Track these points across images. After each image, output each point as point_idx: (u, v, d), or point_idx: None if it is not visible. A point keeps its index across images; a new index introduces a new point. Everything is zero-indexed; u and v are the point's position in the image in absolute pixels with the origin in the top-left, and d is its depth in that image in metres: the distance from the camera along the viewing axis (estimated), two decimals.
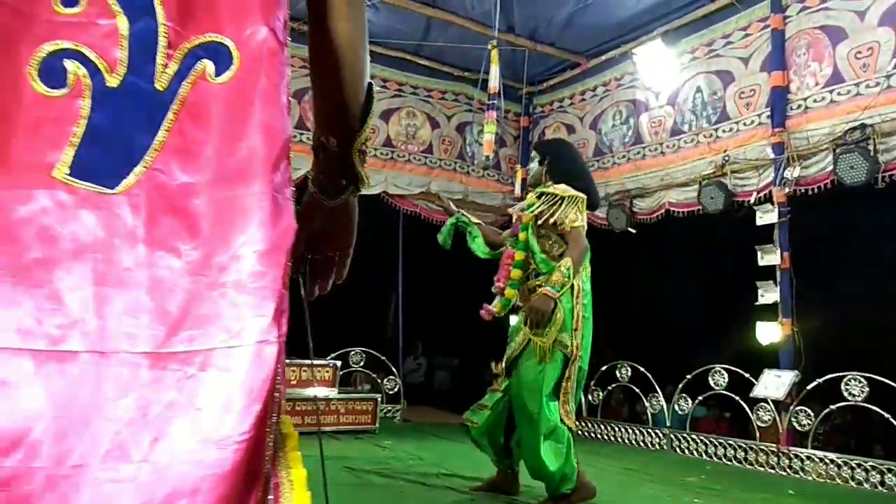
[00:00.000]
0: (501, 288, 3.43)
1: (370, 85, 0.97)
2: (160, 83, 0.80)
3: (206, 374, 0.74)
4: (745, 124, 5.59)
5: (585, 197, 3.39)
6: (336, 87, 0.94)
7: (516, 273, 3.39)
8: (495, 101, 3.75)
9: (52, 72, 0.77)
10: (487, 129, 3.74)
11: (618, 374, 6.18)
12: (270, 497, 0.80)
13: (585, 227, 3.41)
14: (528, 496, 3.40)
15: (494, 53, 4.59)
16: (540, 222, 3.33)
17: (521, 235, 3.39)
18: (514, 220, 3.65)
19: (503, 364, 3.42)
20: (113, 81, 0.79)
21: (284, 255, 0.81)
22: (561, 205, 3.29)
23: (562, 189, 3.35)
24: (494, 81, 4.42)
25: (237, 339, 0.76)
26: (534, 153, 3.65)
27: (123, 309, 0.75)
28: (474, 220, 3.93)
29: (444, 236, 3.84)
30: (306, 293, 1.07)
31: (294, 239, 0.84)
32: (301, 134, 6.34)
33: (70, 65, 0.78)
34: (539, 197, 3.38)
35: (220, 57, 0.83)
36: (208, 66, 0.82)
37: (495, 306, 3.43)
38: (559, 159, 3.58)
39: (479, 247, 3.79)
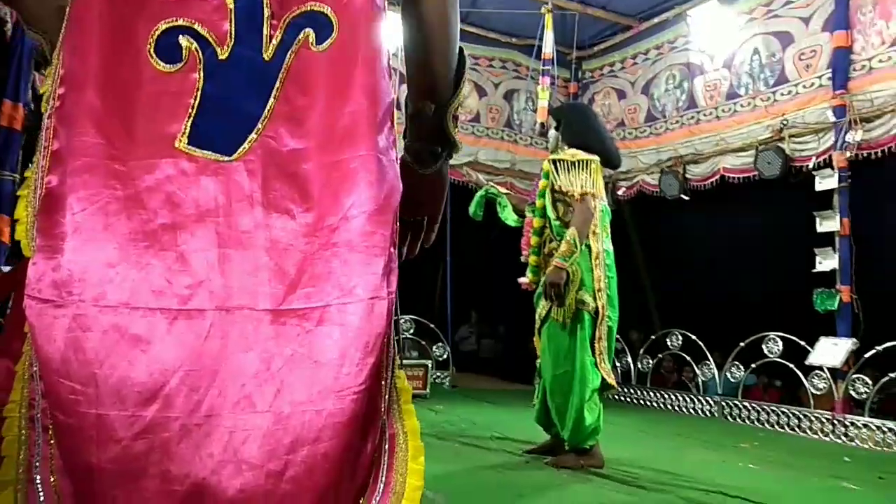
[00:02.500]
0: (527, 256, 3.52)
1: (461, 49, 0.98)
2: (267, 53, 0.84)
3: (323, 328, 0.79)
4: (804, 87, 5.42)
5: (598, 158, 3.39)
6: (431, 55, 0.95)
7: (535, 240, 3.47)
8: (549, 67, 3.70)
9: (168, 48, 0.82)
10: (542, 96, 3.72)
11: (668, 343, 6.16)
12: (387, 445, 0.85)
13: (601, 188, 3.42)
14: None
15: (549, 18, 4.51)
16: (554, 189, 3.37)
17: (538, 202, 3.45)
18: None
19: (536, 337, 3.50)
20: (223, 54, 0.83)
21: (392, 215, 0.85)
22: (571, 171, 3.31)
23: (571, 154, 3.38)
24: (548, 47, 4.36)
25: (350, 295, 0.80)
26: (550, 118, 3.64)
27: (245, 269, 0.80)
28: (503, 190, 3.99)
29: (474, 208, 3.89)
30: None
31: (397, 198, 0.87)
32: None
33: (184, 40, 0.82)
34: (553, 164, 3.41)
35: (321, 25, 0.85)
36: (310, 34, 0.85)
37: (528, 276, 3.52)
38: (571, 122, 3.57)
39: (508, 216, 3.86)
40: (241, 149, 0.82)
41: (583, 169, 3.31)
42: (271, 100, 0.83)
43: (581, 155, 3.36)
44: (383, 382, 0.84)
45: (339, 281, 0.80)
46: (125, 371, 0.74)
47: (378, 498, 0.83)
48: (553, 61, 3.81)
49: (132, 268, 0.77)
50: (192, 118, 0.81)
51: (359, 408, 0.78)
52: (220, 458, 0.73)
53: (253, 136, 0.82)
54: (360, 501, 0.82)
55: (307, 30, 0.84)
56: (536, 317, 3.49)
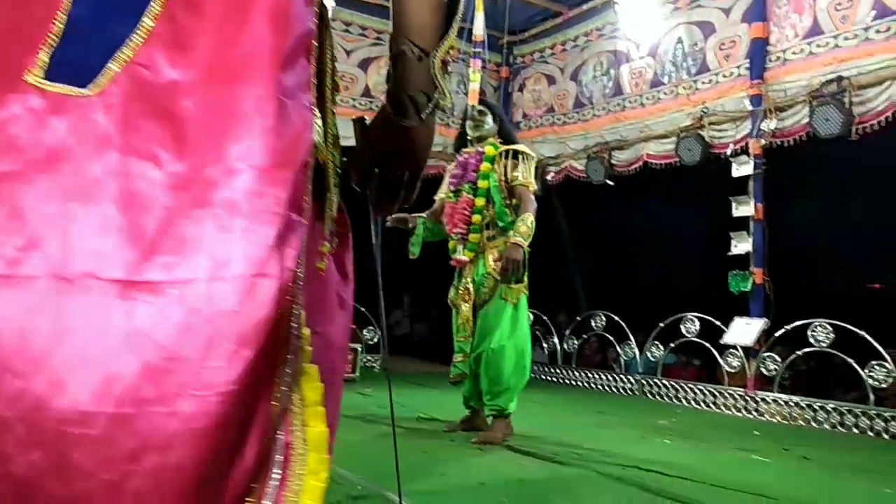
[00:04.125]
0: (463, 233, 3.54)
1: None
2: None
3: (186, 309, 0.62)
4: (724, 76, 5.61)
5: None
6: None
7: (477, 218, 3.53)
8: (480, 50, 3.70)
9: None
10: (473, 78, 3.70)
11: (593, 323, 6.31)
12: (279, 457, 0.70)
13: None
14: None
15: (479, 0, 4.51)
16: (509, 177, 3.49)
17: (483, 183, 3.52)
18: (453, 168, 3.74)
19: (466, 308, 3.54)
20: None
21: (294, 174, 0.69)
22: (526, 162, 3.54)
23: (525, 148, 3.63)
24: (479, 29, 4.35)
25: (225, 269, 0.64)
26: (484, 108, 3.71)
27: (90, 228, 0.64)
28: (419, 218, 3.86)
29: (416, 247, 3.81)
30: (374, 209, 0.98)
31: (304, 153, 0.71)
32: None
33: None
34: (512, 154, 3.55)
35: None
36: None
37: (464, 253, 3.55)
38: (503, 118, 3.80)
39: (416, 245, 3.82)
40: (99, 79, 0.66)
41: (533, 166, 3.58)
42: (146, 18, 0.67)
43: (531, 153, 3.63)
44: (275, 380, 0.68)
45: (214, 250, 0.64)
46: None
47: None
48: (484, 44, 3.81)
49: None
50: (52, 47, 0.67)
51: (228, 411, 0.63)
52: (46, 461, 0.59)
53: (117, 63, 0.67)
54: None
55: None
56: (473, 297, 3.54)
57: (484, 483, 2.59)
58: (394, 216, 3.74)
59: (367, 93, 6.93)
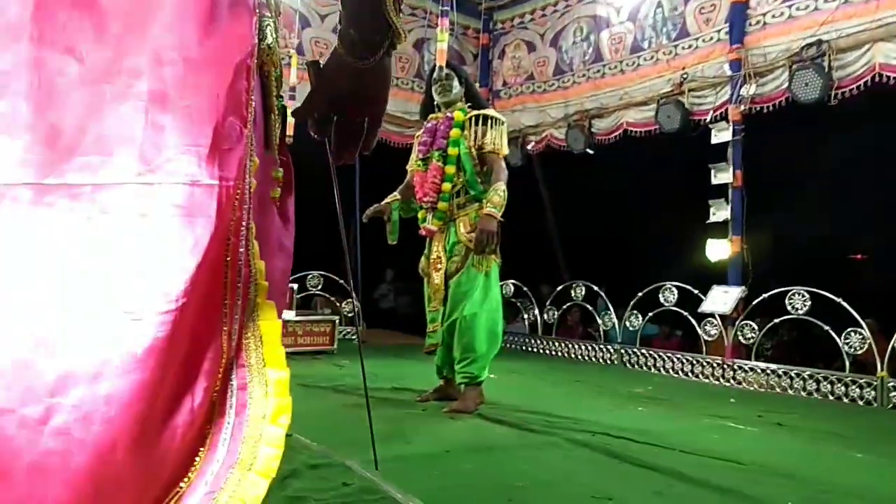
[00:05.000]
0: (433, 202, 3.46)
1: None
2: None
3: (113, 216, 0.56)
4: (704, 41, 5.51)
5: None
6: None
7: (447, 187, 3.45)
8: (447, 9, 3.57)
9: None
10: (441, 38, 3.58)
11: (573, 294, 6.28)
12: (234, 400, 0.64)
13: None
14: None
15: None
16: (479, 144, 3.41)
17: (452, 150, 3.44)
18: (422, 135, 3.63)
19: (438, 277, 3.47)
20: None
21: (234, 71, 0.63)
22: (495, 127, 3.44)
23: (495, 113, 3.54)
24: None
25: (157, 173, 0.57)
26: (450, 72, 3.59)
27: None
28: (392, 199, 3.73)
29: (394, 235, 3.67)
30: (333, 156, 0.96)
31: (244, 53, 0.65)
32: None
33: None
34: (483, 119, 3.45)
35: None
36: None
37: (432, 223, 3.48)
38: (470, 83, 3.71)
39: (414, 209, 3.68)
40: None
41: (504, 128, 3.50)
42: None
43: (500, 116, 3.52)
44: (224, 309, 0.61)
45: (143, 150, 0.57)
46: None
47: (214, 471, 0.60)
48: (452, 4, 3.68)
49: None
50: None
51: (168, 335, 0.55)
52: None
53: None
54: (188, 476, 0.59)
55: None
56: (444, 266, 3.46)
57: (449, 451, 2.55)
58: (370, 209, 3.66)
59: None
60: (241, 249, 0.63)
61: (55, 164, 0.56)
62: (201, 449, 0.61)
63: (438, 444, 2.64)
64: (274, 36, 0.83)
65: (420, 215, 3.59)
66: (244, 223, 0.63)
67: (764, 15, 5.08)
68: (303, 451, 2.40)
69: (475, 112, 3.50)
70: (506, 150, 3.49)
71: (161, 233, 0.56)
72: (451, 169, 3.44)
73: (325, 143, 0.99)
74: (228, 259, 0.61)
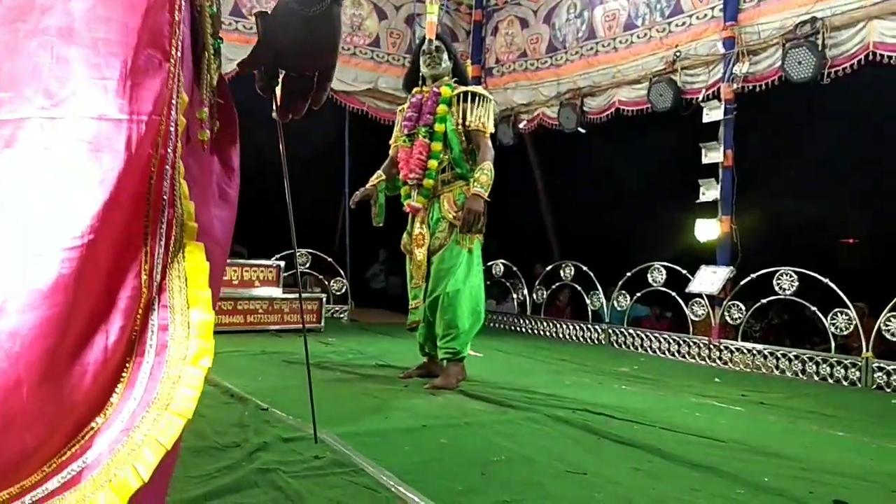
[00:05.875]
0: (419, 178, 3.40)
1: None
2: None
3: (17, 152, 0.54)
4: (697, 18, 5.44)
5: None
6: None
7: (433, 164, 3.40)
8: None
9: None
10: (430, 10, 3.51)
11: (562, 274, 6.25)
12: (154, 341, 0.63)
13: None
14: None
15: None
16: (466, 121, 3.35)
17: (439, 127, 3.38)
18: (407, 109, 3.56)
19: (421, 253, 3.43)
20: None
21: (146, 4, 0.60)
22: (482, 105, 3.39)
23: (482, 90, 3.49)
24: None
25: (62, 107, 0.56)
26: (440, 45, 3.51)
27: None
28: (378, 179, 3.65)
29: (380, 217, 3.59)
30: (279, 113, 0.91)
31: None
32: (237, 22, 5.99)
33: None
34: (471, 96, 3.39)
35: None
36: None
37: (417, 200, 3.44)
38: (458, 59, 3.63)
39: (399, 188, 3.61)
40: None
41: (491, 106, 3.44)
42: None
43: (486, 93, 3.46)
44: (144, 248, 0.60)
45: (47, 84, 0.56)
46: None
47: (131, 409, 0.60)
48: None
49: None
50: None
51: (75, 271, 0.54)
52: None
53: None
54: (104, 413, 0.59)
55: None
56: (427, 242, 3.41)
57: (426, 425, 2.53)
58: (356, 194, 3.57)
59: None
60: (166, 188, 0.61)
61: None
62: (118, 387, 0.61)
63: (416, 419, 2.62)
64: None
65: (404, 192, 3.54)
66: (169, 161, 0.61)
67: None
68: (276, 425, 2.37)
69: (463, 88, 3.44)
70: (492, 129, 3.44)
71: (65, 167, 0.55)
72: (437, 146, 3.39)
73: (271, 101, 0.94)
74: (150, 198, 0.60)
